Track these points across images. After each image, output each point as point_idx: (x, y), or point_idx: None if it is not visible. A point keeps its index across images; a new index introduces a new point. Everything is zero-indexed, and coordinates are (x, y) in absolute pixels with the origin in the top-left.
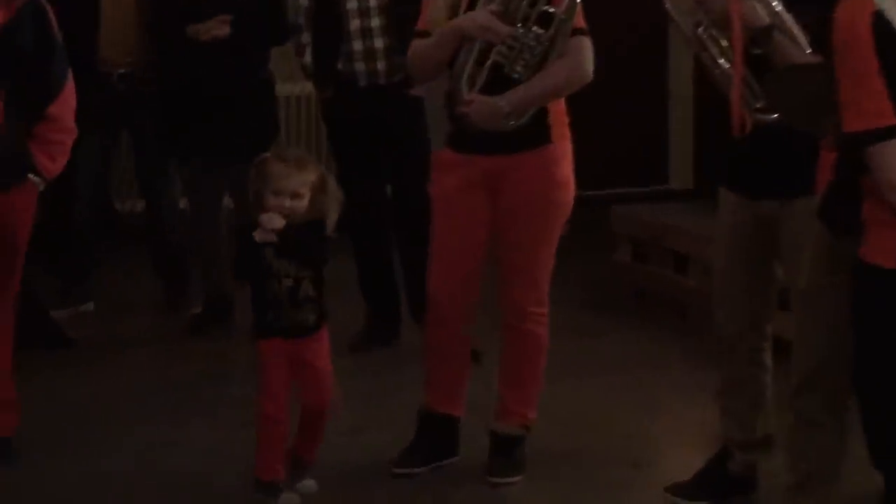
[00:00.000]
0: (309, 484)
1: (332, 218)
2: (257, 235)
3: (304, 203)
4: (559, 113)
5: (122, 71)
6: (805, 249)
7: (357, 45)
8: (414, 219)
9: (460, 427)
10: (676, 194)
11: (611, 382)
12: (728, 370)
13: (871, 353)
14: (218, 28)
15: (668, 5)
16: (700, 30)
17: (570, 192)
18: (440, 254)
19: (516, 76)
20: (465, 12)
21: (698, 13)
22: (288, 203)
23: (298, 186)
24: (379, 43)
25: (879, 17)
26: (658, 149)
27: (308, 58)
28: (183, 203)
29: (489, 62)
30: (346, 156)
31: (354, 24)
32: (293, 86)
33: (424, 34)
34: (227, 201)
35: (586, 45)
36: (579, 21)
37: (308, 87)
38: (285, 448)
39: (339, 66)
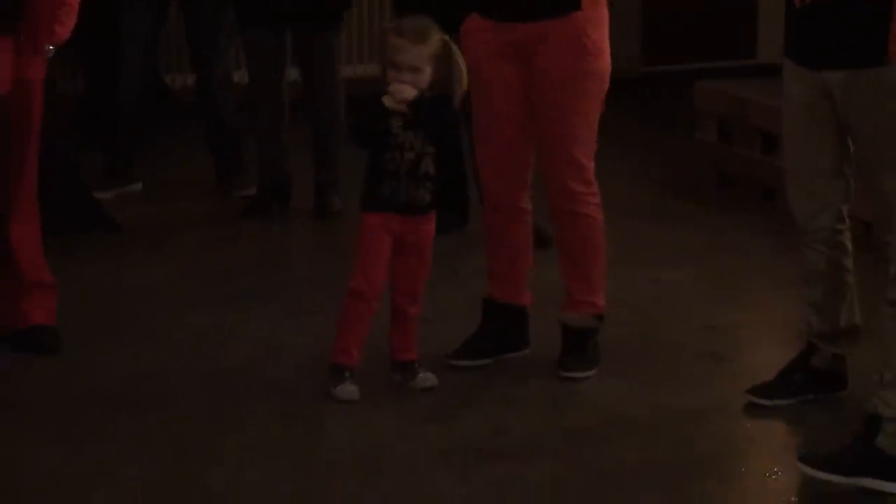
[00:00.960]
0: (428, 377)
1: (458, 91)
2: (387, 101)
3: (425, 76)
4: None
5: None
6: (877, 126)
7: None
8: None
9: (528, 317)
10: (765, 69)
11: (692, 270)
12: (806, 256)
13: None
14: None
15: None
16: None
17: (604, 60)
18: (481, 130)
19: None
20: None
21: None
22: (409, 77)
23: (416, 61)
24: None
25: None
26: (745, 19)
27: None
28: (237, 76)
29: None
30: None
31: None
32: None
33: None
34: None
35: None
36: None
37: None
38: (365, 337)
39: None
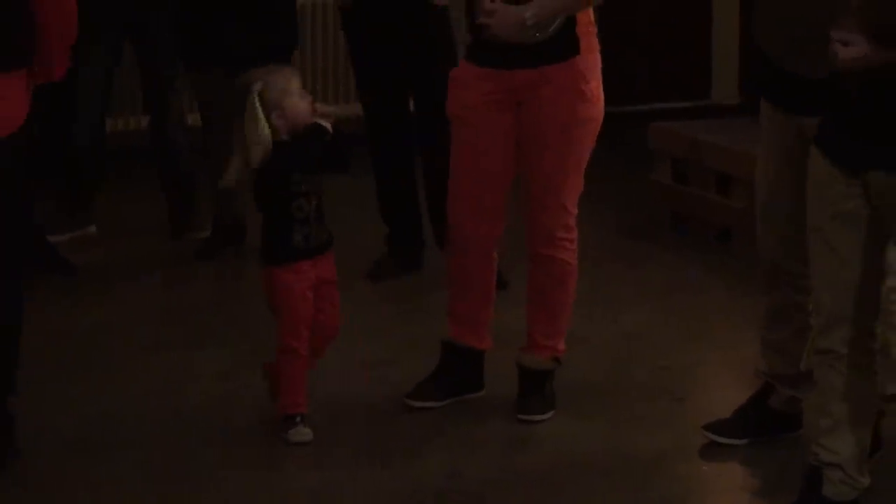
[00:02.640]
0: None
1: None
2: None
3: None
4: (587, 23)
5: None
6: None
7: None
8: (439, 136)
9: (484, 360)
10: (720, 109)
11: (648, 311)
12: (771, 298)
13: None
14: None
15: None
16: None
17: (599, 107)
18: (461, 178)
19: None
20: None
21: None
22: (308, 101)
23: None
24: None
25: None
26: (701, 60)
27: None
28: (190, 119)
29: None
30: (366, 69)
31: None
32: None
33: None
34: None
35: None
36: None
37: None
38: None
39: None
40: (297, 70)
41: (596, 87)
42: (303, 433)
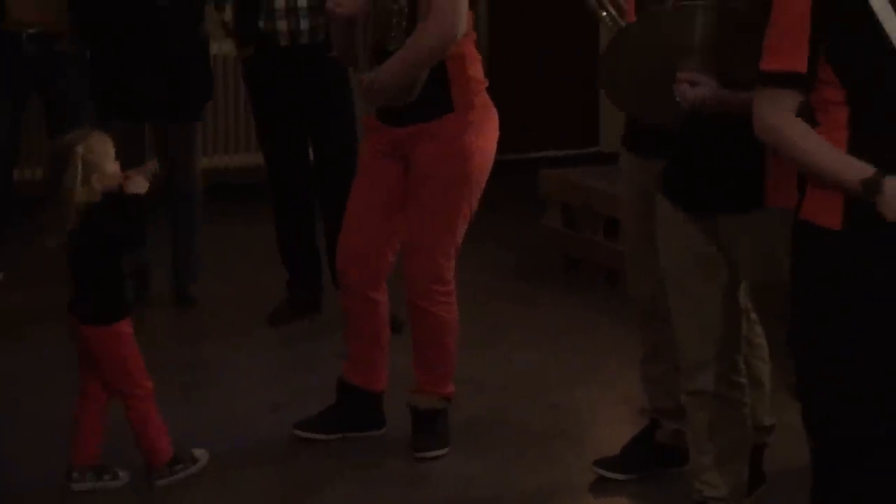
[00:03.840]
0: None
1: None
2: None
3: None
4: (466, 80)
5: (31, 31)
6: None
7: (279, 3)
8: (336, 183)
9: (382, 400)
10: (608, 157)
11: (540, 351)
12: (645, 335)
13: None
14: None
15: None
16: None
17: (473, 162)
18: (349, 223)
19: (391, 48)
20: None
21: None
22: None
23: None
24: (302, 1)
25: None
26: (589, 110)
27: (228, 14)
28: None
29: (369, 41)
30: (267, 118)
31: None
32: (213, 45)
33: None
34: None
35: (452, 1)
36: None
37: (228, 45)
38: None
39: (260, 23)
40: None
41: (472, 141)
42: (199, 453)
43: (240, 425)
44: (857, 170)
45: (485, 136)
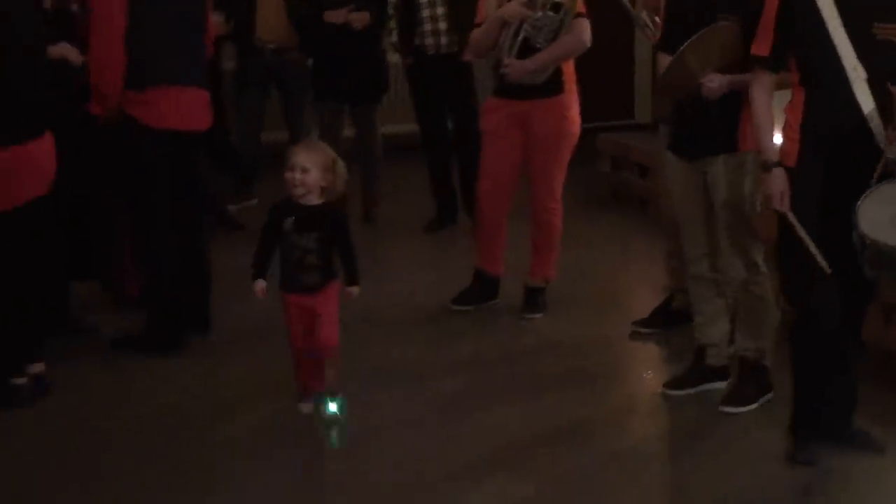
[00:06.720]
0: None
1: (341, 195)
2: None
3: (311, 176)
4: (569, 72)
5: (271, 46)
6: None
7: (427, 27)
8: (465, 143)
9: (499, 281)
10: (640, 126)
11: (597, 250)
12: (669, 240)
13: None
14: (358, 18)
15: None
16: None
17: (576, 126)
18: (487, 170)
19: (538, 46)
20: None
21: None
22: (298, 175)
23: (305, 162)
24: (442, 25)
25: None
26: (627, 90)
27: (395, 37)
28: (313, 134)
29: (521, 38)
30: (422, 102)
31: (425, 12)
32: (391, 56)
33: (480, 24)
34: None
35: (586, 25)
36: (581, 7)
37: (395, 57)
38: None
39: (416, 41)
40: None
41: (575, 114)
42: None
43: (408, 295)
44: (769, 150)
45: (576, 111)
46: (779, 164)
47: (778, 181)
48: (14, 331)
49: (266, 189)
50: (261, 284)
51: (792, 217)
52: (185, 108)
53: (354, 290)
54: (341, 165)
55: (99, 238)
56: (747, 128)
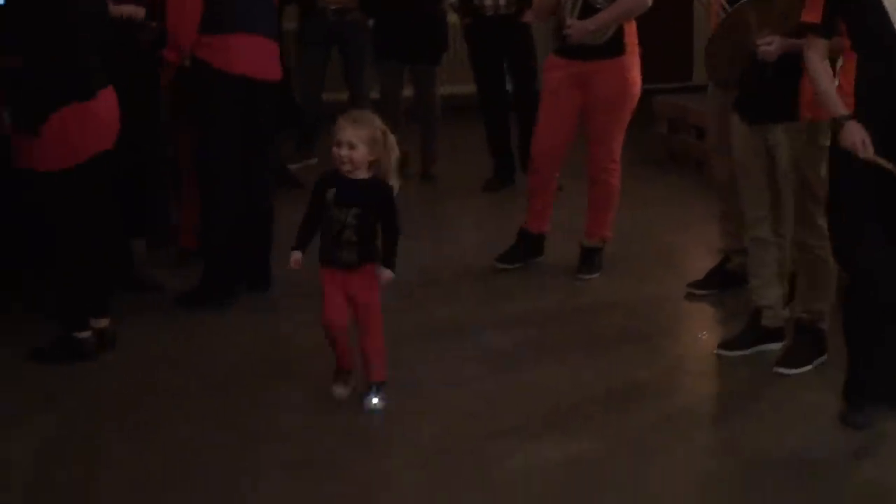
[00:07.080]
0: (375, 402)
1: (391, 169)
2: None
3: (359, 152)
4: (631, 33)
5: (333, 7)
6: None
7: None
8: (524, 104)
9: (544, 238)
10: (697, 88)
11: (653, 212)
12: (722, 203)
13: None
14: None
15: None
16: None
17: (636, 88)
18: (543, 126)
19: (599, 6)
20: None
21: None
22: (345, 151)
23: (352, 137)
24: None
25: None
26: (686, 52)
27: None
28: (373, 94)
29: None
30: (480, 63)
31: None
32: (450, 17)
33: None
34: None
35: None
36: None
37: (454, 17)
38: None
39: (475, 1)
40: None
41: (636, 75)
42: (339, 393)
43: (460, 254)
44: (838, 107)
45: (637, 72)
46: (850, 116)
47: (855, 131)
48: (78, 286)
49: (326, 149)
50: (296, 255)
51: (882, 160)
52: (257, 56)
53: (387, 273)
54: (391, 138)
55: (156, 194)
56: (806, 96)
